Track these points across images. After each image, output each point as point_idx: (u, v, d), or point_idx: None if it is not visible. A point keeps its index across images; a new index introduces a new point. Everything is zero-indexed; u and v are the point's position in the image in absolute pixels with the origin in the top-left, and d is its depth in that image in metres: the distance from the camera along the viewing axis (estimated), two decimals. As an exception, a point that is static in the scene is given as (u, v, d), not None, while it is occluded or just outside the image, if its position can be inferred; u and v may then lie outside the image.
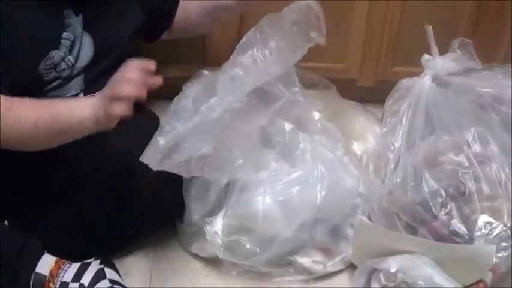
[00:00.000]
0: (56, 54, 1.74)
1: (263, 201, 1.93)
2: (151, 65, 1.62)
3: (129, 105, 1.56)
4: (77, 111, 1.64)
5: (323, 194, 1.93)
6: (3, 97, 1.60)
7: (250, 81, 1.89)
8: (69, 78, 1.79)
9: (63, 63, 1.75)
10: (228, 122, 1.85)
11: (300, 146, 2.05)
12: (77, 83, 1.82)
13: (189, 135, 1.76)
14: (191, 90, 1.85)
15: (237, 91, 1.86)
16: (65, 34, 1.75)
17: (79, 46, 1.79)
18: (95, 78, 1.83)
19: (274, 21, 1.92)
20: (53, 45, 1.74)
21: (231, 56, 1.92)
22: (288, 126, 2.07)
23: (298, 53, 1.93)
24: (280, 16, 1.92)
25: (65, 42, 1.75)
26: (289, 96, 2.01)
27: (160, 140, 1.72)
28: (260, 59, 1.90)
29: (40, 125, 1.61)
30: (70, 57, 1.77)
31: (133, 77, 1.58)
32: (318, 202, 1.92)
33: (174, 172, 1.77)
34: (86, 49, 1.81)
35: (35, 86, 1.72)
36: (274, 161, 2.02)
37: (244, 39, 1.93)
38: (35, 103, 1.64)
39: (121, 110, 1.56)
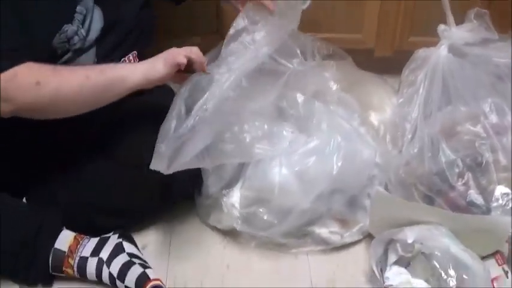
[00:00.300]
0: (69, 28, 1.75)
1: (280, 172, 1.92)
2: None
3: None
4: (127, 69, 1.78)
5: (339, 164, 1.92)
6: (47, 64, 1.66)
7: (244, 66, 1.88)
8: (80, 51, 1.80)
9: (76, 37, 1.77)
10: (230, 107, 1.87)
11: (316, 116, 2.04)
12: (89, 56, 1.83)
13: (188, 137, 1.76)
14: (183, 94, 1.84)
15: (232, 79, 1.86)
16: (78, 8, 1.76)
17: (90, 19, 1.80)
18: (107, 51, 1.85)
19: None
20: (67, 19, 1.75)
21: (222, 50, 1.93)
22: (300, 97, 2.06)
23: (291, 17, 1.93)
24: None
25: (78, 16, 1.77)
26: (295, 67, 2.00)
27: (162, 147, 1.72)
28: (249, 42, 1.91)
29: (91, 77, 1.68)
30: (82, 31, 1.78)
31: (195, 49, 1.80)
32: (334, 172, 1.91)
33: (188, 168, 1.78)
34: (96, 22, 1.82)
35: (48, 60, 1.71)
36: (290, 132, 2.02)
37: (230, 30, 1.94)
38: (84, 66, 1.74)
39: (183, 60, 1.74)
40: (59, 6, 1.74)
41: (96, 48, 1.83)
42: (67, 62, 1.79)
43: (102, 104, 1.73)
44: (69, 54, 1.79)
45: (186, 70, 1.81)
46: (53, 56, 1.75)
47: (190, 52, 1.78)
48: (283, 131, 2.01)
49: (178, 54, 1.76)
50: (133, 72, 1.74)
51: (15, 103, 1.61)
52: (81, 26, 1.78)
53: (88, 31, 1.80)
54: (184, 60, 1.75)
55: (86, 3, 1.78)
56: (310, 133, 2.02)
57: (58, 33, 1.73)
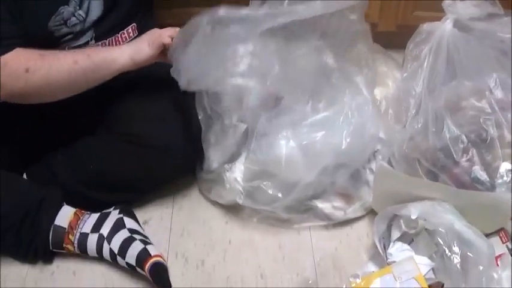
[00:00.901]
0: (65, 10, 1.74)
1: (286, 145, 1.90)
2: None
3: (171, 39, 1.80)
4: (114, 52, 1.79)
5: (348, 139, 1.91)
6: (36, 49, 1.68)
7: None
8: (82, 32, 1.79)
9: (73, 18, 1.77)
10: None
11: (324, 89, 2.02)
12: (87, 36, 1.83)
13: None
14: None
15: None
16: None
17: (88, 0, 1.79)
18: (106, 31, 1.85)
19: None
20: (62, 1, 1.74)
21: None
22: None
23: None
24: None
25: None
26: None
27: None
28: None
29: (79, 62, 1.70)
30: (80, 12, 1.77)
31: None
32: (342, 147, 1.90)
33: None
34: (96, 2, 1.81)
35: (47, 43, 1.74)
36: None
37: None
38: (71, 50, 1.79)
39: (168, 40, 1.79)
40: None
41: (95, 29, 1.82)
42: (68, 45, 1.80)
43: (90, 86, 1.77)
44: (69, 36, 1.78)
45: None
46: (50, 39, 1.75)
47: (174, 32, 1.81)
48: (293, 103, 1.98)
49: (163, 35, 1.80)
50: (120, 55, 1.78)
51: (5, 90, 1.64)
52: (78, 7, 1.77)
53: (87, 12, 1.80)
54: (169, 40, 1.80)
55: None
56: (318, 106, 2.00)
57: (53, 16, 1.72)
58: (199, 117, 1.96)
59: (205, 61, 1.80)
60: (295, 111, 1.95)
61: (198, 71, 1.78)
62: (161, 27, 1.85)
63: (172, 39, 1.79)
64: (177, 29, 1.82)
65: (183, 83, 1.77)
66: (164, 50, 1.82)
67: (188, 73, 1.78)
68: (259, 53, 1.84)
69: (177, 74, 1.78)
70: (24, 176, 1.97)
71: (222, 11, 1.76)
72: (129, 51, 1.79)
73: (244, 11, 1.78)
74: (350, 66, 2.06)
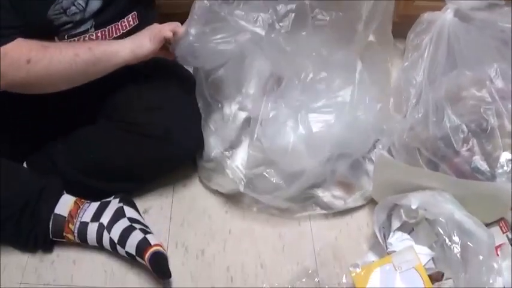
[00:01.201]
0: None
1: (294, 133, 1.89)
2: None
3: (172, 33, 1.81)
4: (115, 46, 1.79)
5: (350, 129, 1.91)
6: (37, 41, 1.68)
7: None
8: (81, 21, 1.79)
9: (73, 7, 1.76)
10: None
11: (327, 77, 2.00)
12: (89, 25, 1.82)
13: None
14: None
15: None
16: None
17: None
18: (106, 20, 1.84)
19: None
20: None
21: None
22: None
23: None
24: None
25: None
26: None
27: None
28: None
29: (80, 55, 1.70)
30: (80, 1, 1.76)
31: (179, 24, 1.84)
32: (342, 136, 1.90)
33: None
34: None
35: (46, 31, 1.74)
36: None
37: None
38: (73, 42, 1.78)
39: (169, 34, 1.80)
40: None
41: (94, 18, 1.82)
42: (68, 33, 1.79)
43: (91, 79, 1.77)
44: (69, 25, 1.77)
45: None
46: (50, 28, 1.75)
47: (177, 26, 1.82)
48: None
49: (164, 29, 1.81)
50: (121, 49, 1.78)
51: (5, 80, 1.63)
52: None
53: (87, 2, 1.79)
54: (170, 35, 1.80)
55: None
56: (328, 89, 1.99)
57: (53, 4, 1.72)
58: (199, 105, 1.96)
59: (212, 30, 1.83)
60: (301, 95, 1.94)
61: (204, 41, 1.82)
62: (162, 16, 1.85)
63: (173, 33, 1.80)
64: (177, 23, 1.83)
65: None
66: (165, 44, 1.83)
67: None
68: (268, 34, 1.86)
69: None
70: (25, 165, 1.96)
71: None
72: (130, 45, 1.79)
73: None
74: (354, 54, 2.05)
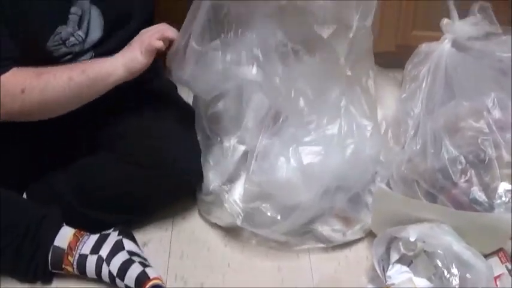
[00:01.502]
0: (63, 30, 1.75)
1: (287, 166, 1.90)
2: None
3: (165, 43, 1.81)
4: (108, 65, 1.78)
5: (346, 161, 1.91)
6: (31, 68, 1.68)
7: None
8: (81, 53, 1.79)
9: (72, 39, 1.77)
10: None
11: (323, 108, 2.00)
12: (89, 57, 1.83)
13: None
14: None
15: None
16: (72, 9, 1.76)
17: (88, 20, 1.80)
18: (107, 52, 1.84)
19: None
20: (60, 21, 1.75)
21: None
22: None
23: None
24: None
25: (73, 17, 1.77)
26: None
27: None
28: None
29: (74, 78, 1.70)
30: (80, 32, 1.78)
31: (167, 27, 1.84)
32: (340, 169, 1.90)
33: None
34: (95, 22, 1.82)
35: (45, 61, 1.74)
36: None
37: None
38: (67, 65, 1.76)
39: (160, 44, 1.79)
40: (51, 8, 1.73)
41: (94, 49, 1.83)
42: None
43: (88, 100, 1.77)
44: (69, 56, 1.79)
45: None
46: (49, 58, 1.76)
47: (165, 31, 1.82)
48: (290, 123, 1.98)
49: (154, 40, 1.79)
50: (114, 68, 1.78)
51: (3, 110, 1.65)
52: (76, 28, 1.78)
53: (87, 33, 1.80)
54: (161, 45, 1.80)
55: (81, 4, 1.77)
56: (318, 125, 1.99)
57: (52, 35, 1.73)
58: (198, 138, 1.97)
59: (207, 58, 1.85)
60: (294, 131, 1.95)
61: (200, 69, 1.83)
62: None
63: (163, 41, 1.81)
64: (166, 27, 1.84)
65: (185, 83, 1.86)
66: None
67: (191, 72, 1.84)
68: (262, 60, 1.87)
69: (179, 75, 1.85)
70: (24, 195, 1.97)
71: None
72: (123, 62, 1.78)
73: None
74: (351, 85, 2.06)
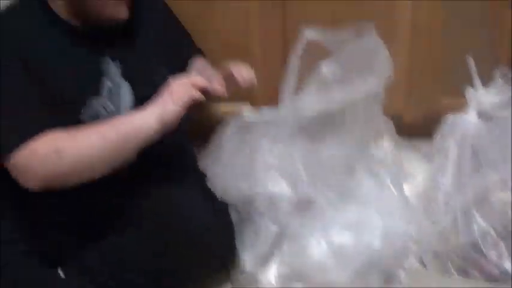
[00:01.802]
0: (95, 101, 1.77)
1: (318, 247, 1.91)
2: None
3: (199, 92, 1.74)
4: (139, 118, 1.73)
5: (379, 239, 1.92)
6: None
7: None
8: None
9: (102, 110, 1.78)
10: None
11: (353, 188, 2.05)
12: None
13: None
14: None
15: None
16: (104, 79, 1.79)
17: (118, 94, 1.82)
18: None
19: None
20: (92, 92, 1.77)
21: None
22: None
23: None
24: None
25: (105, 89, 1.79)
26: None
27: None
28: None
29: (107, 136, 1.67)
30: (109, 103, 1.79)
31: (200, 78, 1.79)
32: (374, 248, 1.91)
33: None
34: (125, 95, 1.84)
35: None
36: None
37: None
38: (96, 124, 1.71)
39: (198, 94, 1.73)
40: (84, 80, 1.77)
41: None
42: None
43: (124, 158, 1.71)
44: None
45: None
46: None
47: (196, 82, 1.77)
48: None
49: (192, 91, 1.74)
50: (146, 121, 1.72)
51: (39, 176, 1.63)
52: (107, 99, 1.79)
53: (118, 106, 1.82)
54: (199, 96, 1.75)
55: (113, 77, 1.80)
56: (349, 202, 2.02)
57: (83, 107, 1.75)
58: (231, 217, 2.00)
59: (236, 169, 1.85)
60: (328, 213, 1.97)
61: (231, 181, 1.83)
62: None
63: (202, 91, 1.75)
64: (197, 77, 1.80)
65: (219, 193, 1.80)
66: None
67: (222, 182, 1.83)
68: (287, 158, 1.89)
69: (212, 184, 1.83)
70: (59, 271, 1.93)
71: (247, 116, 1.81)
72: (155, 114, 1.71)
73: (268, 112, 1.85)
74: (377, 163, 2.09)
